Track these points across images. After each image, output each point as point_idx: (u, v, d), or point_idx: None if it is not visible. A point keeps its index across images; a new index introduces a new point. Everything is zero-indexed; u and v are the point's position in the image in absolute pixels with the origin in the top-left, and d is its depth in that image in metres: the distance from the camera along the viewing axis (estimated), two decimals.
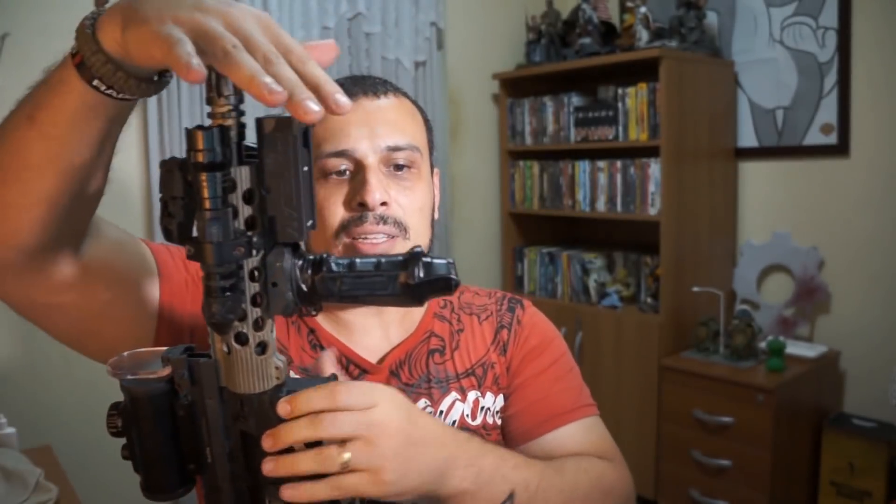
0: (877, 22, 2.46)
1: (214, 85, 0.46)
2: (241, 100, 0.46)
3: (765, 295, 2.79)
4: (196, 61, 0.42)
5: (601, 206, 2.86)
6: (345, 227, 0.79)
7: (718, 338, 2.57)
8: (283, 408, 0.52)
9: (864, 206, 2.53)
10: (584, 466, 0.82)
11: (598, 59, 2.81)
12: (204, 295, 0.47)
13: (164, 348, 0.54)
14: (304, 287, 0.49)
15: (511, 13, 3.20)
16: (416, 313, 0.89)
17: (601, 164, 2.84)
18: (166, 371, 0.53)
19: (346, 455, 0.55)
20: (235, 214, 0.46)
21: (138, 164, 2.35)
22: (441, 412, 0.85)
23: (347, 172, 0.80)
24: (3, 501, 1.37)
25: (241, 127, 0.46)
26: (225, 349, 0.50)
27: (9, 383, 2.07)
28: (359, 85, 0.83)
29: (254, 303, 0.48)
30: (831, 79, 2.57)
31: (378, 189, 0.77)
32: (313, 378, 0.56)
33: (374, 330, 0.86)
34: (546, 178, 3.05)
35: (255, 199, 0.46)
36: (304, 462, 0.53)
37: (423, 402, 0.84)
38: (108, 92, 0.51)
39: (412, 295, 0.49)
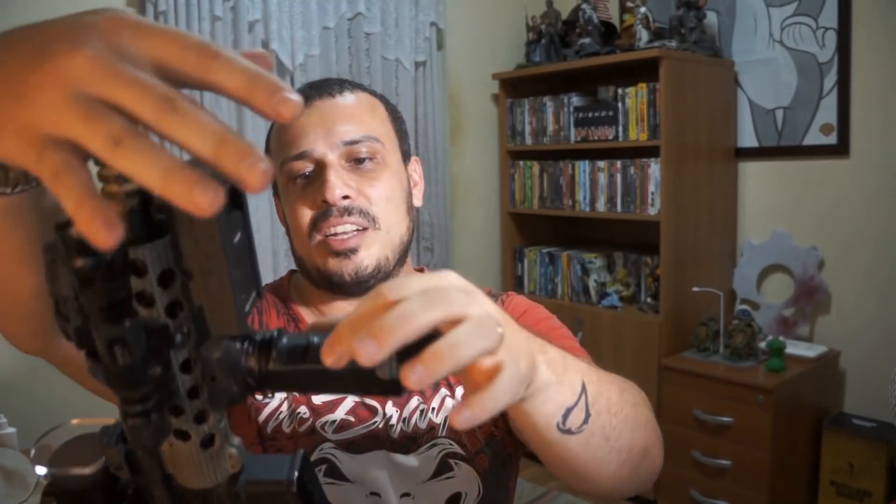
0: (877, 22, 2.46)
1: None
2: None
3: (765, 295, 2.79)
4: (107, 216, 0.28)
5: (601, 206, 2.86)
6: (314, 225, 0.81)
7: (718, 338, 2.57)
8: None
9: (864, 206, 2.53)
10: (620, 383, 0.73)
11: (598, 59, 2.81)
12: (121, 418, 0.37)
13: (98, 429, 0.44)
14: (250, 380, 0.40)
15: (511, 13, 3.20)
16: None
17: (601, 164, 2.84)
18: (97, 464, 0.44)
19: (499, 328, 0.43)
20: (151, 303, 0.35)
21: None
22: (433, 409, 0.85)
23: (311, 174, 0.82)
24: (3, 501, 1.37)
25: (144, 198, 0.33)
26: (166, 444, 0.42)
27: (9, 383, 2.07)
28: (315, 88, 0.85)
29: (191, 396, 0.39)
30: (831, 79, 2.57)
31: (337, 185, 0.79)
32: (276, 458, 0.47)
33: None
34: (546, 178, 3.05)
35: (176, 280, 0.35)
36: (471, 341, 0.40)
37: (415, 399, 0.84)
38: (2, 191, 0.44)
39: (390, 388, 0.41)
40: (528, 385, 0.48)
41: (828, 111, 2.58)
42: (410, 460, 0.82)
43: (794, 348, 2.52)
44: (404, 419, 0.84)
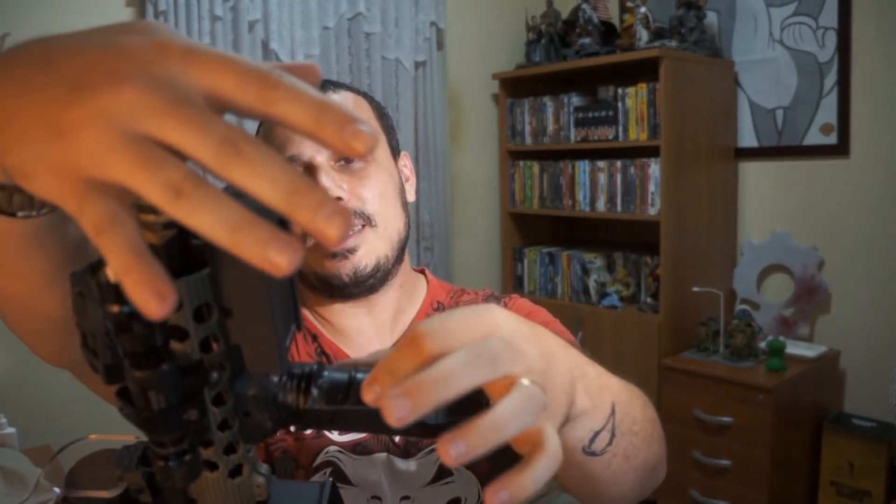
0: (877, 22, 2.46)
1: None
2: None
3: (765, 295, 2.79)
4: (162, 283, 0.26)
5: (601, 206, 2.86)
6: None
7: (718, 338, 2.57)
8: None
9: (864, 206, 2.53)
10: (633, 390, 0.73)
11: (598, 59, 2.80)
12: (152, 462, 0.36)
13: (122, 447, 0.41)
14: (285, 415, 0.39)
15: (511, 13, 3.20)
16: (408, 315, 0.89)
17: (601, 164, 2.84)
18: (118, 490, 0.42)
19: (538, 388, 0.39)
20: (184, 337, 0.33)
21: None
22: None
23: None
24: (3, 501, 1.37)
25: (181, 233, 0.30)
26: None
27: (9, 383, 2.07)
28: None
29: (221, 428, 0.38)
30: (831, 79, 2.57)
31: (329, 188, 0.77)
32: (304, 486, 0.47)
33: (369, 331, 0.86)
34: (546, 178, 3.05)
35: (213, 315, 0.33)
36: (519, 416, 0.36)
37: None
38: (28, 215, 0.40)
39: (431, 433, 0.39)
40: (564, 421, 0.46)
41: (828, 111, 2.58)
42: (410, 465, 0.82)
43: (794, 348, 2.52)
44: None
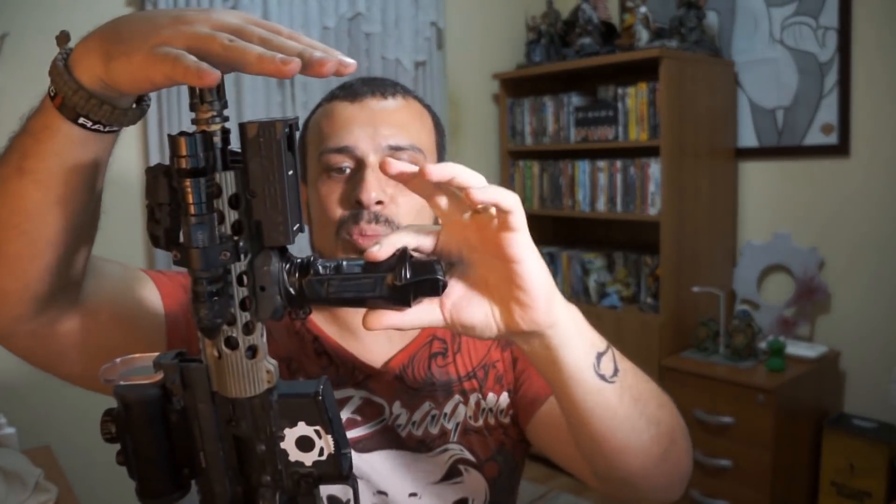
0: (877, 22, 2.46)
1: (197, 91, 0.45)
2: (224, 105, 0.46)
3: (765, 295, 2.79)
4: (205, 65, 0.42)
5: (601, 206, 2.86)
6: (342, 225, 0.79)
7: (718, 338, 2.57)
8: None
9: (864, 206, 2.53)
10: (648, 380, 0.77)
11: (598, 59, 2.80)
12: (192, 300, 0.47)
13: (156, 354, 0.54)
14: (291, 290, 0.49)
15: (511, 13, 3.20)
16: None
17: (601, 164, 2.84)
18: (158, 376, 0.52)
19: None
20: (222, 219, 0.46)
21: (138, 165, 2.35)
22: (445, 414, 0.85)
23: (348, 170, 0.80)
24: (3, 501, 1.37)
25: (226, 132, 0.46)
26: (215, 354, 0.50)
27: (9, 383, 2.07)
28: (368, 85, 0.83)
29: (242, 307, 0.48)
30: (831, 79, 2.56)
31: (375, 188, 0.77)
32: (303, 382, 0.56)
33: (377, 332, 0.85)
34: (546, 178, 3.05)
35: (242, 204, 0.46)
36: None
37: (427, 404, 0.84)
38: (95, 127, 0.51)
39: (400, 296, 0.49)
40: (550, 325, 0.57)
41: (828, 111, 2.58)
42: (420, 461, 0.83)
43: (795, 348, 2.52)
44: (414, 422, 0.84)
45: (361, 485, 0.79)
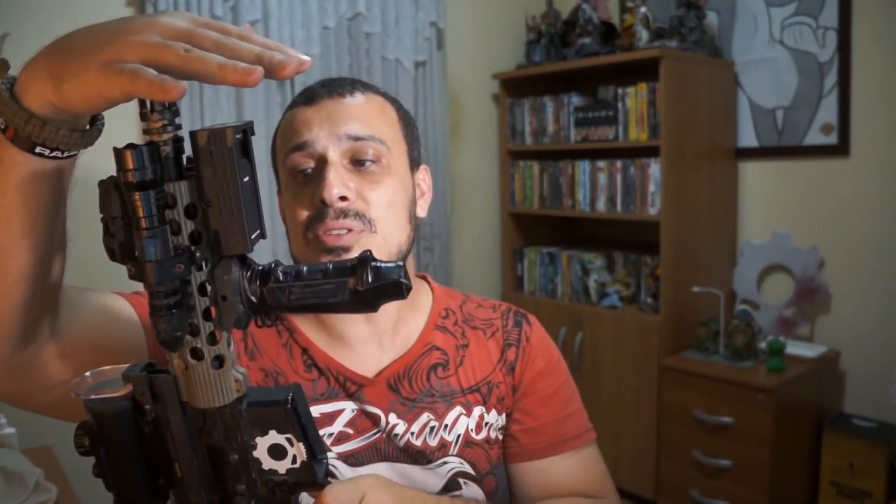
0: (877, 22, 2.46)
1: (147, 101, 0.44)
2: (176, 113, 0.45)
3: (765, 295, 2.79)
4: (168, 78, 0.41)
5: (601, 206, 2.86)
6: (309, 226, 0.78)
7: (718, 338, 2.57)
8: None
9: (864, 206, 2.53)
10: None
11: (598, 59, 2.80)
12: (150, 314, 0.46)
13: (125, 366, 0.53)
14: (253, 298, 0.48)
15: (511, 13, 3.20)
16: (412, 324, 0.88)
17: (601, 164, 2.84)
18: (127, 389, 0.52)
19: None
20: (178, 230, 0.46)
21: None
22: (446, 426, 0.84)
23: (310, 170, 0.80)
24: (3, 501, 1.37)
25: (178, 141, 0.46)
26: (182, 365, 0.50)
27: None
28: (325, 87, 0.83)
29: (206, 317, 0.48)
30: (831, 79, 2.57)
31: (336, 184, 0.76)
32: (274, 389, 0.55)
33: (368, 341, 0.85)
34: (546, 178, 3.05)
35: (198, 214, 0.46)
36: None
37: (426, 415, 0.84)
38: (54, 154, 0.49)
39: (363, 301, 0.48)
40: None
41: (828, 111, 2.58)
42: (419, 473, 0.82)
43: (795, 348, 2.52)
44: (412, 433, 0.83)
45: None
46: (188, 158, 0.46)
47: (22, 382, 0.61)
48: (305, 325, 0.85)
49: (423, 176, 0.90)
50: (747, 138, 2.81)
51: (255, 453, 0.53)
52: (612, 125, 2.78)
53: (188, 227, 0.46)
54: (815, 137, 2.63)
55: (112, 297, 0.73)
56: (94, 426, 0.53)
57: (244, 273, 0.48)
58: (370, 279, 0.47)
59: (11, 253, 0.52)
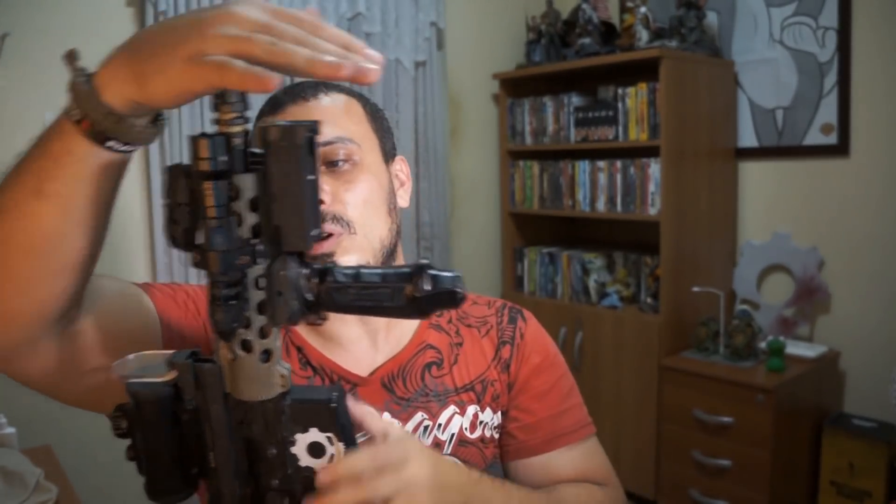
0: (877, 22, 2.46)
1: (221, 92, 0.45)
2: (247, 106, 0.46)
3: (765, 295, 2.79)
4: (261, 70, 0.42)
5: (601, 206, 2.86)
6: None
7: (718, 338, 2.57)
8: (325, 478, 0.54)
9: (864, 206, 2.53)
10: (583, 498, 0.84)
11: (598, 59, 2.80)
12: (209, 302, 0.47)
13: (170, 352, 0.54)
14: (309, 296, 0.49)
15: (511, 13, 3.20)
16: (406, 324, 0.88)
17: (601, 164, 2.84)
18: (171, 375, 0.52)
19: None
20: (241, 222, 0.46)
21: (138, 166, 2.35)
22: (440, 425, 0.84)
23: None
24: (3, 501, 1.37)
25: (247, 134, 0.46)
26: (230, 356, 0.50)
27: (9, 383, 2.07)
28: (288, 94, 0.83)
29: (259, 311, 0.49)
30: (831, 79, 2.57)
31: None
32: (318, 387, 0.56)
33: (362, 341, 0.85)
34: (546, 178, 3.05)
35: (261, 207, 0.46)
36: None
37: (420, 415, 0.83)
38: (124, 149, 0.51)
39: (417, 308, 0.48)
40: None
41: (828, 111, 2.58)
42: None
43: (794, 348, 2.52)
44: (406, 432, 0.83)
45: None
46: (252, 152, 0.46)
47: (44, 366, 0.61)
48: (300, 328, 0.85)
49: (400, 166, 0.91)
50: (747, 138, 2.81)
51: (293, 449, 0.53)
52: (612, 125, 2.78)
53: (251, 219, 0.46)
54: (815, 137, 2.63)
55: (129, 286, 0.73)
56: (133, 409, 0.53)
57: (302, 270, 0.48)
58: (427, 287, 0.48)
59: (69, 239, 0.53)
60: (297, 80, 0.91)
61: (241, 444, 0.53)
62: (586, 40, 2.88)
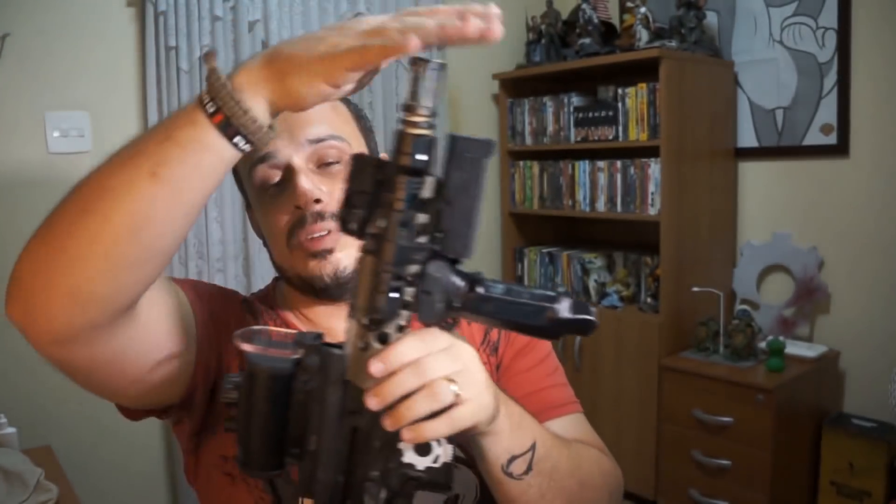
0: (877, 22, 2.46)
1: (416, 93, 0.48)
2: (436, 114, 0.48)
3: (765, 295, 2.79)
4: (397, 35, 0.47)
5: (601, 206, 2.86)
6: (291, 232, 0.80)
7: (718, 338, 2.57)
8: (375, 367, 0.51)
9: (864, 206, 2.53)
10: (585, 448, 0.84)
11: (598, 59, 2.80)
12: (370, 289, 0.49)
13: (292, 331, 0.56)
14: (455, 302, 0.50)
15: (511, 13, 3.18)
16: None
17: (601, 164, 2.84)
18: (296, 354, 0.54)
19: (455, 387, 0.55)
20: (413, 220, 0.48)
21: None
22: None
23: (278, 180, 0.80)
24: (4, 501, 1.37)
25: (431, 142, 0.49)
26: (361, 345, 0.52)
27: (9, 383, 2.07)
28: None
29: (404, 307, 0.50)
30: (831, 79, 2.57)
31: (308, 189, 0.78)
32: None
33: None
34: (546, 178, 3.05)
35: (432, 209, 0.48)
36: (422, 405, 0.53)
37: None
38: (245, 146, 0.53)
39: (552, 329, 0.51)
40: (490, 422, 0.60)
41: (828, 111, 2.58)
42: None
43: (794, 348, 2.52)
44: None
45: None
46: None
47: (93, 356, 0.62)
48: (296, 323, 0.87)
49: None
50: (747, 138, 2.81)
51: (399, 445, 0.54)
52: (612, 125, 2.78)
53: (420, 219, 0.48)
54: (814, 137, 2.63)
55: (164, 279, 0.73)
56: (248, 381, 0.54)
57: (453, 276, 0.50)
58: (570, 312, 0.51)
59: (172, 227, 0.55)
60: None
61: (348, 432, 0.54)
62: (586, 40, 2.88)
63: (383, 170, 0.48)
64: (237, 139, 0.52)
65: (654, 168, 2.64)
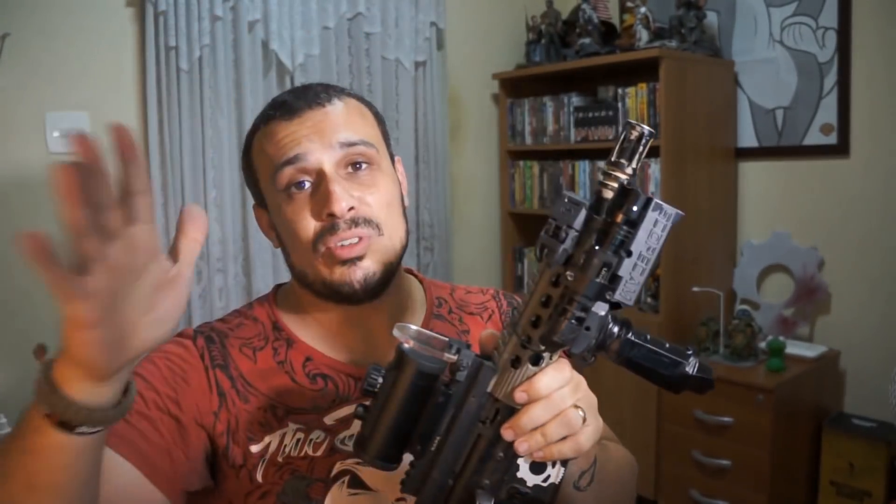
0: (877, 22, 2.46)
1: (632, 153, 0.52)
2: (633, 174, 0.53)
3: (765, 295, 2.79)
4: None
5: None
6: (320, 238, 0.78)
7: (718, 338, 2.57)
8: (520, 396, 0.57)
9: (864, 206, 2.53)
10: (615, 447, 0.90)
11: (598, 59, 2.80)
12: (555, 313, 0.53)
13: (445, 337, 0.58)
14: (607, 340, 0.55)
15: (511, 13, 3.20)
16: (409, 318, 0.89)
17: (601, 164, 2.84)
18: (451, 357, 0.57)
19: (582, 413, 0.60)
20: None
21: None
22: None
23: (307, 184, 0.79)
24: None
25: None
26: (511, 360, 0.56)
27: (9, 384, 2.07)
28: (302, 98, 0.82)
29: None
30: (831, 79, 2.57)
31: (343, 197, 0.77)
32: None
33: (379, 332, 0.85)
34: (546, 178, 3.06)
35: (618, 255, 0.52)
36: (556, 430, 0.58)
37: None
38: (95, 430, 0.53)
39: (677, 383, 0.56)
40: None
41: (828, 111, 2.58)
42: None
43: (794, 348, 2.52)
44: None
45: (379, 495, 0.78)
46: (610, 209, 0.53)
47: None
48: (306, 334, 0.85)
49: (398, 167, 0.92)
50: (747, 138, 2.81)
51: (519, 459, 0.58)
52: (612, 125, 2.78)
53: (604, 262, 0.52)
54: (814, 137, 2.63)
55: (114, 467, 0.71)
56: (393, 372, 0.57)
57: (609, 320, 0.55)
58: (697, 370, 0.56)
59: (79, 496, 0.57)
60: (303, 83, 0.90)
61: (473, 440, 0.58)
62: (586, 40, 2.89)
63: (595, 212, 0.52)
64: (82, 428, 0.52)
65: (654, 168, 2.64)
